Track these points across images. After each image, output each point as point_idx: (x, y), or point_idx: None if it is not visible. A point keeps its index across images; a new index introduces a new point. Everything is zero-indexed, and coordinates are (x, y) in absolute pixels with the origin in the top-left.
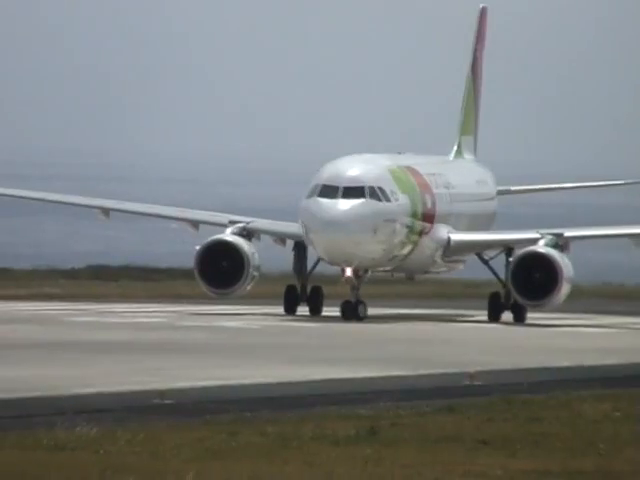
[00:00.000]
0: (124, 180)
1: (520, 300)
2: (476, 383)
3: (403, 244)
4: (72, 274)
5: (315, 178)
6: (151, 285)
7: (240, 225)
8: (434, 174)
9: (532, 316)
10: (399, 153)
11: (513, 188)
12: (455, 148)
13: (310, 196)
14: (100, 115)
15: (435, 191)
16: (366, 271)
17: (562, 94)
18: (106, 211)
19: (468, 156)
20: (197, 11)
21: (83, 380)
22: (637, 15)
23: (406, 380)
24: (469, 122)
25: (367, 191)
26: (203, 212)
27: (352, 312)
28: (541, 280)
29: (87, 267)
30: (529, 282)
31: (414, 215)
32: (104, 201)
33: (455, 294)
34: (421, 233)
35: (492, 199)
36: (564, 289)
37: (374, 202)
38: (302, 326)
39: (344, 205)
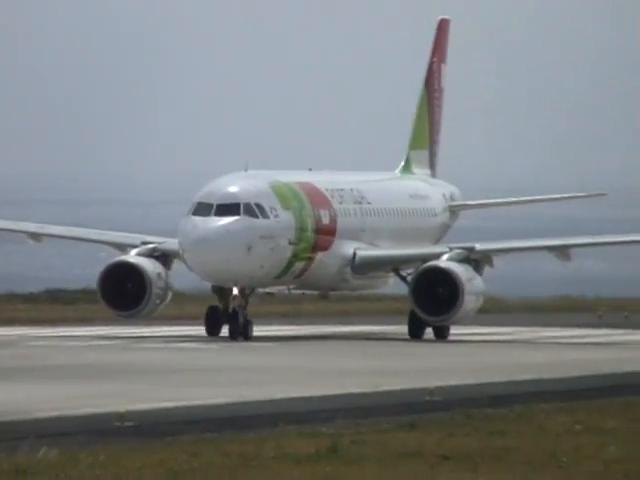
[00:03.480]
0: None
1: (421, 315)
2: (436, 399)
3: (291, 261)
4: (31, 298)
5: (193, 196)
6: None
7: (150, 246)
8: (341, 190)
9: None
10: (309, 169)
11: (470, 202)
12: (402, 163)
13: (186, 214)
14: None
15: (337, 206)
16: (252, 289)
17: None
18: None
19: (419, 171)
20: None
21: (43, 404)
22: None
23: (365, 397)
24: (421, 136)
25: (242, 208)
26: (116, 233)
27: (238, 331)
28: (444, 295)
29: (45, 291)
30: (434, 297)
31: (302, 231)
32: (20, 224)
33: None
34: (316, 249)
35: (435, 215)
36: (468, 304)
37: (249, 219)
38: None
39: (216, 223)
